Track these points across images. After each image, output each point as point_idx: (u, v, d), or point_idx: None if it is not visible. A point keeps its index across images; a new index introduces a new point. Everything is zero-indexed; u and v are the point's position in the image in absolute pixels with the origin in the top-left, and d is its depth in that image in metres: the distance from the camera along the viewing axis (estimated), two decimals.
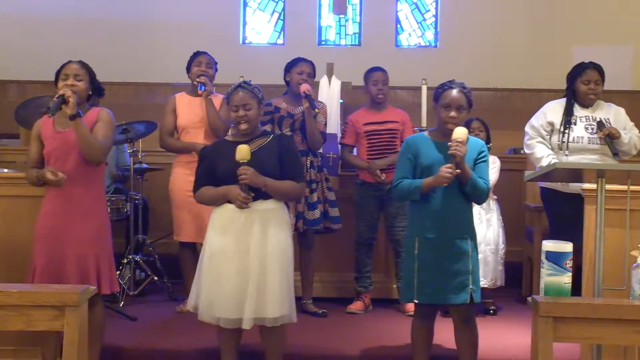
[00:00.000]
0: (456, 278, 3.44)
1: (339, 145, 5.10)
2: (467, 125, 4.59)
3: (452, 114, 3.48)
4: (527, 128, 4.73)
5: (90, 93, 3.64)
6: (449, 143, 3.37)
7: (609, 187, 3.24)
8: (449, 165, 3.37)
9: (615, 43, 8.25)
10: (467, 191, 3.44)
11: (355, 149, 5.04)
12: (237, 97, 3.56)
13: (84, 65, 3.63)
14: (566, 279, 2.96)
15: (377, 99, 4.95)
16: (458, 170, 3.36)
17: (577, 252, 3.66)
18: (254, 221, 3.45)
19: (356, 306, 4.91)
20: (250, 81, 3.68)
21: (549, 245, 3.01)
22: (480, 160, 3.52)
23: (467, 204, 3.53)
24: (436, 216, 3.47)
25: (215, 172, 3.53)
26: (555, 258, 2.97)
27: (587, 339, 2.89)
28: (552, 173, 3.32)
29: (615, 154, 4.39)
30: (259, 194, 3.46)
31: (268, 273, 3.43)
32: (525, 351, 3.82)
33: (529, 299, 2.94)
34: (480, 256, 4.73)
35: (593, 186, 3.34)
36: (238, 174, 3.38)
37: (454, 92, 3.50)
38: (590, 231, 3.60)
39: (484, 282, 4.75)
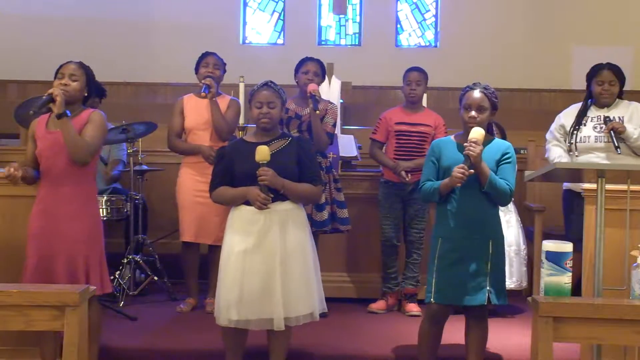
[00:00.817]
0: (474, 279, 3.45)
1: (370, 140, 5.07)
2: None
3: (472, 113, 3.49)
4: (547, 135, 4.78)
5: (86, 95, 3.63)
6: (465, 143, 3.39)
7: (609, 187, 3.24)
8: (461, 165, 3.37)
9: (615, 43, 8.25)
10: (487, 191, 3.44)
11: (384, 146, 5.00)
12: (262, 95, 3.56)
13: (82, 66, 3.62)
14: (566, 279, 2.96)
15: (409, 99, 4.94)
16: (471, 171, 3.37)
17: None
18: (273, 222, 3.45)
19: (378, 305, 4.92)
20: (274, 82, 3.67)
21: (549, 245, 3.01)
22: (504, 162, 3.51)
23: (490, 205, 3.52)
24: (456, 217, 3.49)
25: (233, 172, 3.53)
26: (555, 258, 2.97)
27: (587, 339, 2.89)
28: (552, 173, 3.32)
29: (617, 147, 4.36)
30: (277, 195, 3.46)
31: (290, 273, 3.44)
32: (525, 351, 3.82)
33: (529, 299, 2.93)
34: None
35: (593, 186, 3.34)
36: (258, 175, 3.38)
37: (475, 92, 3.52)
38: (590, 231, 3.60)
39: (509, 283, 4.75)
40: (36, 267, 3.46)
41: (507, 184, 3.47)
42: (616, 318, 2.70)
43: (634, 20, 8.40)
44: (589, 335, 2.78)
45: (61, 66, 3.60)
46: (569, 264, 2.98)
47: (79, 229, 3.50)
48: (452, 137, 3.66)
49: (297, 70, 4.80)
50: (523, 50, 8.48)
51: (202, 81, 4.75)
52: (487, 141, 3.52)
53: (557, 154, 4.60)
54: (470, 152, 3.34)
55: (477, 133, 3.39)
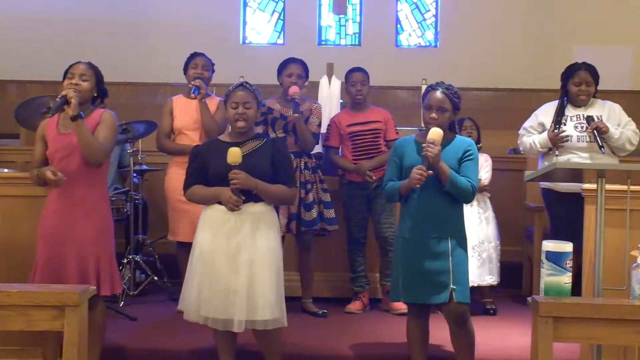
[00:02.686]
0: (434, 278, 3.43)
1: (323, 148, 5.10)
2: (459, 124, 4.61)
3: (433, 115, 3.50)
4: (520, 131, 4.82)
5: (95, 95, 3.64)
6: (423, 144, 3.40)
7: (609, 187, 3.24)
8: (419, 167, 3.38)
9: (615, 43, 8.25)
10: (448, 190, 3.43)
11: (339, 150, 5.04)
12: (237, 95, 3.56)
13: (91, 66, 3.64)
14: (566, 279, 2.96)
15: (355, 100, 4.96)
16: (430, 172, 3.37)
17: (576, 252, 3.67)
18: (244, 223, 3.45)
19: (355, 306, 4.92)
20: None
21: (549, 245, 3.01)
22: (466, 159, 3.49)
23: (451, 204, 3.49)
24: (414, 216, 3.50)
25: (206, 171, 3.53)
26: (555, 258, 2.97)
27: (587, 339, 2.89)
28: (552, 173, 3.32)
29: (600, 146, 4.40)
30: (250, 196, 3.46)
31: (258, 276, 3.42)
32: (525, 351, 3.82)
33: (529, 299, 2.94)
34: (484, 255, 4.78)
35: (593, 186, 3.34)
36: (229, 178, 3.38)
37: (436, 93, 3.52)
38: (590, 231, 3.60)
39: (492, 280, 4.83)
40: (46, 268, 3.47)
41: (469, 182, 3.45)
42: (616, 318, 2.70)
43: (634, 20, 8.39)
44: (589, 335, 2.78)
45: (71, 66, 3.61)
46: (569, 264, 2.98)
47: (90, 229, 3.51)
48: (414, 135, 3.66)
49: (279, 72, 4.81)
50: (523, 50, 8.48)
51: (192, 82, 4.75)
52: (449, 139, 3.52)
53: (529, 140, 4.66)
54: (428, 153, 3.35)
55: (434, 134, 3.39)
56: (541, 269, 3.03)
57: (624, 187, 3.30)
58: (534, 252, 5.18)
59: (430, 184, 3.42)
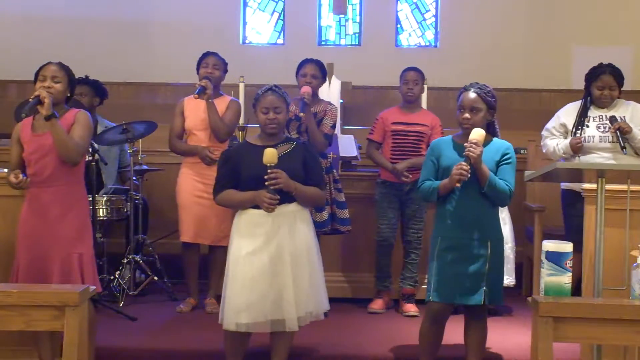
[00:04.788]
0: (472, 279, 3.45)
1: (367, 140, 5.07)
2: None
3: (466, 115, 3.50)
4: (542, 132, 4.79)
5: (69, 95, 3.64)
6: (465, 144, 3.39)
7: (609, 187, 3.24)
8: (461, 163, 3.37)
9: (615, 43, 8.24)
10: (486, 192, 3.44)
11: (381, 146, 5.01)
12: (268, 100, 3.58)
13: (62, 67, 3.61)
14: (566, 279, 2.96)
15: (406, 98, 4.94)
16: (469, 171, 3.36)
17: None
18: (282, 224, 3.48)
19: (377, 305, 4.92)
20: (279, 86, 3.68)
21: (549, 245, 3.01)
22: (503, 162, 3.50)
23: (489, 206, 3.51)
24: (455, 217, 3.49)
25: (239, 174, 3.54)
26: (555, 258, 2.97)
27: (587, 339, 2.89)
28: (552, 173, 3.32)
29: (623, 147, 4.38)
30: (284, 197, 3.47)
31: (300, 272, 3.47)
32: (525, 351, 3.82)
33: (529, 299, 2.94)
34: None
35: (593, 186, 3.34)
36: (270, 177, 3.39)
37: (469, 93, 3.52)
38: (590, 231, 3.60)
39: (509, 280, 4.80)
40: (28, 268, 3.47)
41: (507, 185, 3.46)
42: (616, 318, 2.70)
43: (634, 20, 8.39)
44: (589, 335, 2.77)
45: (41, 68, 3.58)
46: (569, 264, 2.98)
47: (70, 228, 3.52)
48: (452, 137, 3.66)
49: (297, 73, 4.82)
50: (523, 50, 8.47)
51: (198, 82, 4.75)
52: (486, 141, 3.50)
53: (554, 142, 4.62)
54: (470, 154, 3.34)
55: (477, 134, 3.39)
56: (541, 269, 3.03)
57: (624, 187, 3.31)
58: (534, 252, 5.18)
59: (470, 186, 3.42)
